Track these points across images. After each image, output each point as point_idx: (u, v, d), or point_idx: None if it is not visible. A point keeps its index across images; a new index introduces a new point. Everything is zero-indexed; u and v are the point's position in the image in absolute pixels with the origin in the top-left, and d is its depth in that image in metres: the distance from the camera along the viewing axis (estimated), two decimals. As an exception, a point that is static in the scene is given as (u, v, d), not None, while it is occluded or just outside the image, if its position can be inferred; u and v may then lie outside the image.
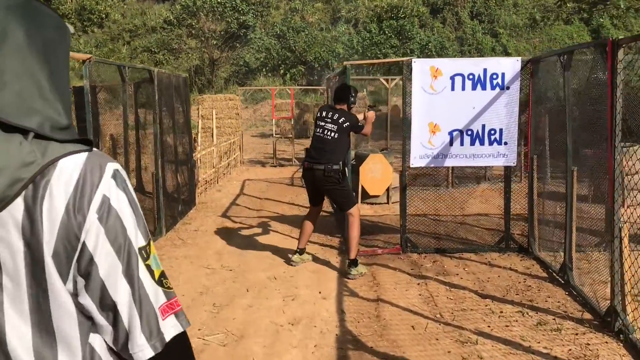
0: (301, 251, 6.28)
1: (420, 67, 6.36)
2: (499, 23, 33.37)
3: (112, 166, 0.98)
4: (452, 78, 6.38)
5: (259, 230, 7.78)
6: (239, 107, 14.80)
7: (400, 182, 6.65)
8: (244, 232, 7.70)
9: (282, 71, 31.11)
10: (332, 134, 5.87)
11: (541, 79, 6.41)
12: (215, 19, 28.80)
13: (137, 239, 0.99)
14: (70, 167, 0.92)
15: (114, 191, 0.96)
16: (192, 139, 9.35)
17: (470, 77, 6.37)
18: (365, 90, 19.22)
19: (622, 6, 30.91)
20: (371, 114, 6.22)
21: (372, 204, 9.36)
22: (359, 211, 6.08)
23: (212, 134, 13.87)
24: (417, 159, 6.46)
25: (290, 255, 6.38)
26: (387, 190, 9.34)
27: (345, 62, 6.44)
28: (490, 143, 6.46)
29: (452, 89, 6.38)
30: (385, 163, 9.22)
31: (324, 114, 6.06)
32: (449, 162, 6.52)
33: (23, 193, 0.88)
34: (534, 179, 6.45)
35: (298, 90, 28.14)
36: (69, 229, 0.91)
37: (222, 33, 29.55)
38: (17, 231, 0.89)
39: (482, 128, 6.43)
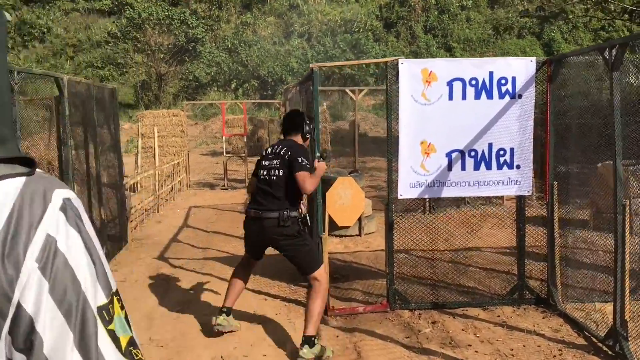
0: (228, 311, 4.52)
1: (409, 69, 4.79)
2: (452, 37, 32.55)
3: (60, 194, 0.72)
4: (450, 84, 4.83)
5: (203, 279, 6.01)
6: (184, 124, 12.98)
7: (386, 219, 5.03)
8: (184, 283, 5.92)
9: (234, 86, 29.34)
10: (278, 172, 4.29)
11: (565, 83, 4.92)
12: (162, 32, 26.82)
13: (96, 295, 0.72)
14: (5, 194, 0.68)
15: (62, 229, 0.70)
16: (122, 163, 7.53)
17: (473, 82, 4.84)
18: (323, 104, 17.68)
19: (573, 18, 30.62)
20: (321, 166, 4.42)
21: (341, 236, 7.73)
22: (326, 276, 4.41)
23: (154, 154, 12.01)
24: (407, 189, 4.87)
25: (215, 318, 4.51)
26: (359, 219, 7.71)
27: (312, 65, 4.84)
28: (499, 167, 4.93)
29: (450, 97, 4.83)
30: (355, 188, 7.55)
31: (268, 150, 4.52)
32: (448, 192, 4.95)
33: None
34: (554, 211, 4.94)
35: (251, 106, 26.45)
36: None
37: (169, 47, 27.57)
38: None
39: (488, 148, 4.90)
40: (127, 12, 28.03)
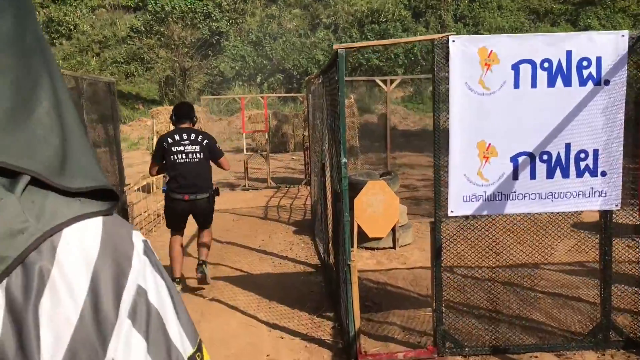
0: (180, 280, 5.41)
1: (463, 49, 3.64)
2: (483, 26, 30.95)
3: (139, 236, 0.61)
4: (516, 67, 3.66)
5: (209, 310, 4.96)
6: (202, 120, 11.97)
7: (432, 244, 3.89)
8: (190, 312, 4.88)
9: (259, 80, 28.35)
10: (199, 156, 5.16)
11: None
12: (185, 26, 25.93)
13: (184, 345, 0.61)
14: (82, 241, 0.55)
15: (150, 278, 0.59)
16: (122, 167, 6.53)
17: (546, 65, 3.67)
18: (351, 97, 16.46)
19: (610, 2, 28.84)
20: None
21: (372, 249, 6.61)
22: None
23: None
24: (460, 203, 3.73)
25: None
26: (393, 230, 6.59)
27: (336, 46, 3.74)
28: (579, 174, 3.75)
29: (516, 85, 3.67)
30: (388, 193, 6.42)
31: (175, 137, 5.17)
32: (513, 207, 3.78)
33: (4, 282, 0.50)
34: (652, 231, 3.75)
35: (276, 100, 25.41)
36: (87, 345, 0.53)
37: (193, 41, 26.67)
38: None
39: (565, 150, 3.73)
40: (150, 5, 27.19)
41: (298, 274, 5.83)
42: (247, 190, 11.63)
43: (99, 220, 0.57)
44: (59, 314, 0.52)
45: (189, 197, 5.09)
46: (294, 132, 18.63)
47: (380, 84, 7.82)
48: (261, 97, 13.46)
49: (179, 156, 5.08)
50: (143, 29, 27.69)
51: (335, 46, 3.76)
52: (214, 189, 5.37)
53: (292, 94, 18.58)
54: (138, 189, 8.57)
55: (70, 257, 0.54)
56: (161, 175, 6.81)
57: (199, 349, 0.65)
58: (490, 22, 30.94)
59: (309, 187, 11.37)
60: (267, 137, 11.98)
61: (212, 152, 5.22)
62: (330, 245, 5.34)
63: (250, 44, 29.33)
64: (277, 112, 20.20)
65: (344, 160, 3.84)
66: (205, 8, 27.55)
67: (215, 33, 28.05)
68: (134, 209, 7.23)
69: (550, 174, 3.74)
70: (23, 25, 0.57)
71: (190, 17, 26.07)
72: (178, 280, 5.31)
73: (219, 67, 28.49)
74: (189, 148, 5.10)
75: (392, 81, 7.74)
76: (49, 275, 0.52)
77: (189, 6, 26.57)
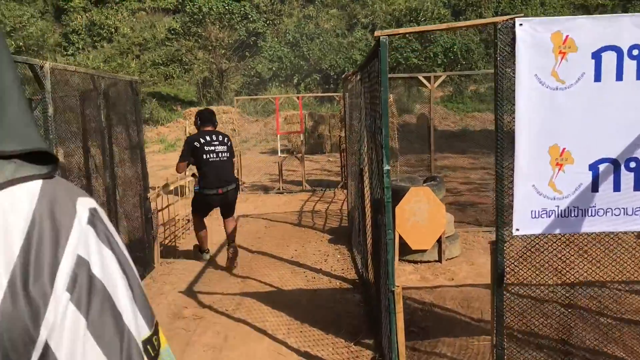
0: (208, 250, 6.46)
1: (533, 34, 2.98)
2: (526, 23, 29.80)
3: (85, 203, 0.56)
4: (598, 56, 2.99)
5: (234, 331, 4.40)
6: (235, 121, 11.51)
7: (493, 268, 3.22)
8: (209, 335, 4.33)
9: (295, 81, 27.89)
10: (226, 154, 5.85)
11: None
12: (222, 27, 25.65)
13: (139, 327, 0.56)
14: (13, 208, 0.51)
15: (94, 248, 0.54)
16: (146, 172, 6.06)
17: (635, 52, 2.98)
18: (390, 96, 15.74)
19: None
20: None
21: (416, 262, 5.97)
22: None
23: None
24: (527, 220, 3.07)
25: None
26: (439, 241, 5.94)
27: (378, 33, 3.14)
28: (675, 185, 3.05)
29: (597, 77, 2.99)
30: (433, 201, 5.78)
31: (207, 138, 5.79)
32: (593, 225, 3.10)
33: None
34: None
35: (313, 100, 24.90)
36: (15, 324, 0.48)
37: (230, 42, 26.38)
38: None
39: (658, 155, 3.04)
40: (188, 7, 27.04)
41: (333, 290, 5.24)
42: (282, 193, 11.10)
43: (36, 184, 0.53)
44: None
45: (222, 190, 5.77)
46: (330, 132, 18.05)
47: (424, 81, 7.16)
48: (296, 97, 12.89)
49: (211, 155, 5.70)
50: (181, 31, 27.56)
51: (376, 33, 3.15)
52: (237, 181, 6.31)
53: (329, 94, 17.79)
54: (171, 191, 8.12)
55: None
56: (190, 177, 7.24)
57: (155, 332, 0.59)
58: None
59: (345, 191, 10.78)
60: (302, 138, 11.41)
61: (232, 151, 5.98)
62: (369, 260, 4.74)
63: (287, 45, 28.90)
64: (313, 112, 19.67)
65: (386, 167, 3.23)
66: (242, 9, 27.25)
67: (252, 34, 27.73)
68: (164, 213, 6.76)
69: (638, 185, 3.05)
70: None
71: (227, 18, 25.77)
72: (207, 250, 6.40)
73: (256, 68, 28.15)
74: (219, 148, 5.74)
75: (435, 78, 7.07)
76: None
77: (226, 7, 26.28)
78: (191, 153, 5.81)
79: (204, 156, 5.71)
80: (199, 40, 26.09)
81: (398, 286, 3.24)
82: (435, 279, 5.47)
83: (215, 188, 5.78)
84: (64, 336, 0.50)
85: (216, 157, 5.72)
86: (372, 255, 4.53)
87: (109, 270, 0.54)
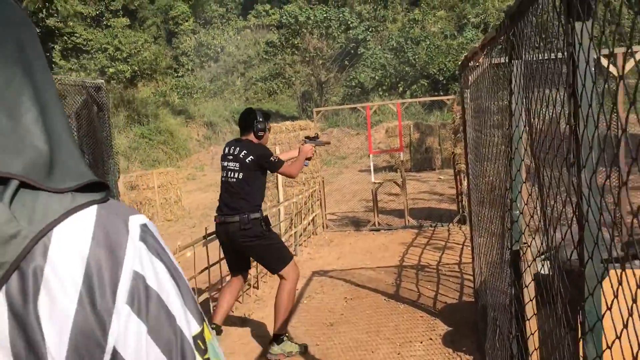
0: (218, 328, 4.04)
1: None
2: (671, 7, 24.60)
3: (136, 220, 0.58)
4: None
5: None
6: (320, 135, 8.77)
7: None
8: None
9: (401, 89, 24.83)
10: (236, 175, 4.01)
11: None
12: (320, 36, 23.25)
13: (190, 325, 0.59)
14: (74, 235, 0.54)
15: (147, 263, 0.57)
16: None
17: None
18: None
19: None
20: (306, 148, 4.18)
21: None
22: (297, 273, 3.96)
23: (277, 183, 7.99)
24: None
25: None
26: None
27: None
28: None
29: None
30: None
31: (225, 150, 4.17)
32: None
33: (3, 289, 0.50)
34: None
35: (419, 108, 21.67)
36: (88, 335, 0.52)
37: (330, 52, 23.91)
38: (4, 352, 0.49)
39: None
40: (284, 17, 24.98)
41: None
42: (377, 230, 8.17)
43: (92, 210, 0.56)
44: (56, 310, 0.52)
45: (219, 219, 4.10)
46: (441, 145, 14.80)
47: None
48: (392, 104, 9.84)
49: (223, 173, 4.21)
50: (278, 43, 25.54)
51: None
52: (254, 216, 3.95)
53: (437, 97, 14.21)
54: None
55: (61, 253, 0.53)
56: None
57: (203, 328, 0.62)
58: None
59: (462, 227, 7.63)
60: (401, 157, 8.37)
61: (250, 169, 4.00)
62: None
63: (390, 51, 25.95)
64: (420, 122, 16.51)
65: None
66: (341, 15, 24.69)
67: (352, 40, 25.08)
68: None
69: None
70: (1, 37, 0.57)
71: (325, 25, 23.32)
72: (214, 325, 4.02)
73: (358, 77, 25.46)
74: (230, 165, 4.11)
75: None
76: (43, 274, 0.52)
77: (324, 15, 23.86)
78: None
79: (221, 173, 4.29)
80: (296, 52, 23.86)
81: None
82: None
83: (217, 215, 4.16)
84: (129, 341, 0.53)
85: (225, 177, 4.17)
86: None
87: (162, 280, 0.57)
